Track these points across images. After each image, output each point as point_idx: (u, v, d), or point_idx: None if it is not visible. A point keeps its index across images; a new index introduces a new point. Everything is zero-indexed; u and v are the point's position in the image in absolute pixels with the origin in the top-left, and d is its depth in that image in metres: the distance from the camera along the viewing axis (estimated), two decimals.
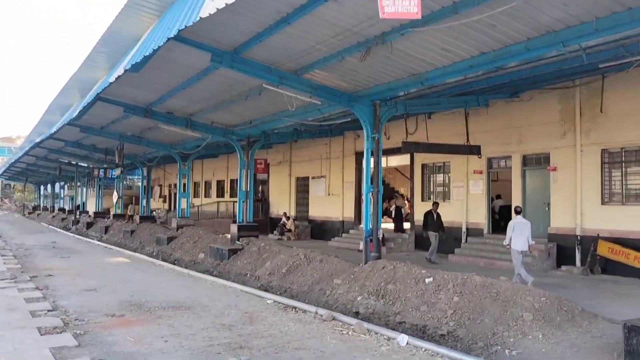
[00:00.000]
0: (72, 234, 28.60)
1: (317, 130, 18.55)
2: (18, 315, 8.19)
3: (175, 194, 41.86)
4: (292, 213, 26.71)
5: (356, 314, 9.88)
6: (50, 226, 35.20)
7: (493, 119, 16.43)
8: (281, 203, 28.04)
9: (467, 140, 15.15)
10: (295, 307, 9.12)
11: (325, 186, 24.73)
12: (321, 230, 24.76)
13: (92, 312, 8.67)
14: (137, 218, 26.39)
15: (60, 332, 7.22)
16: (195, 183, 38.70)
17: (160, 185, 43.67)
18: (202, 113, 15.85)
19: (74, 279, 12.28)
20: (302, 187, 26.78)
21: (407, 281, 10.00)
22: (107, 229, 28.45)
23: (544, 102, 15.15)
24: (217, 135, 16.60)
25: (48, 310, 8.63)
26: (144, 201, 27.18)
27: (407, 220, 20.73)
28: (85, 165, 34.60)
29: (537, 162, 15.77)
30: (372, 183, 12.35)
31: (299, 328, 7.62)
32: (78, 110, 13.77)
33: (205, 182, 37.62)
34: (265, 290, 11.78)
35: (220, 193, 35.41)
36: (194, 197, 38.48)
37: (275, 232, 26.11)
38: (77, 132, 21.47)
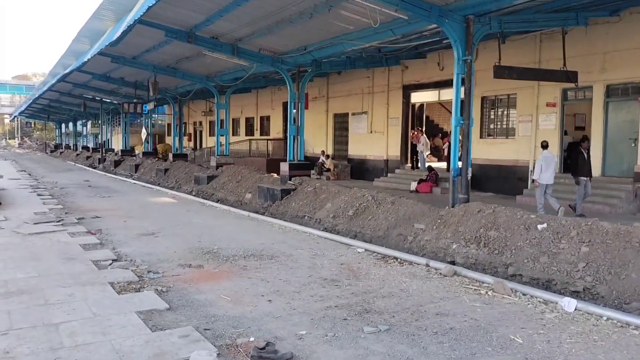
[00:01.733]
0: (102, 172, 27.46)
1: (369, 59, 16.69)
2: (81, 267, 6.92)
3: (200, 132, 40.40)
4: (330, 152, 25.21)
5: (452, 264, 8.56)
6: (77, 164, 34.10)
7: (572, 44, 14.51)
8: (317, 141, 26.49)
9: (564, 64, 13.25)
10: (397, 258, 7.77)
11: (367, 123, 23.05)
12: (362, 170, 23.32)
13: (164, 261, 7.39)
14: (170, 156, 25.06)
15: (139, 289, 5.94)
16: (222, 121, 37.14)
17: (185, 123, 42.11)
18: (251, 38, 14.06)
19: (125, 221, 11.03)
20: (341, 124, 25.12)
21: (514, 227, 8.57)
22: (137, 167, 27.22)
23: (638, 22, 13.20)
24: (265, 63, 14.85)
25: (112, 260, 7.36)
26: (177, 139, 25.72)
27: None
28: (109, 101, 33.06)
29: (624, 92, 13.97)
30: (461, 114, 10.73)
31: (420, 285, 6.27)
32: (117, 34, 12.07)
33: (233, 119, 35.96)
34: (334, 233, 10.54)
35: (250, 131, 33.86)
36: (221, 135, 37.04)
37: (312, 171, 24.70)
38: (106, 63, 19.77)
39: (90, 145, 47.44)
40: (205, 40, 14.09)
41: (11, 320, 4.80)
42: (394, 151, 21.49)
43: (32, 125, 75.36)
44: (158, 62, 18.80)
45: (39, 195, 15.33)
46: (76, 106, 38.36)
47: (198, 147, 39.52)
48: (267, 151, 27.44)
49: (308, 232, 9.96)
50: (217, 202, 16.45)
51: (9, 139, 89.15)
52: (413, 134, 20.83)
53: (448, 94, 20.23)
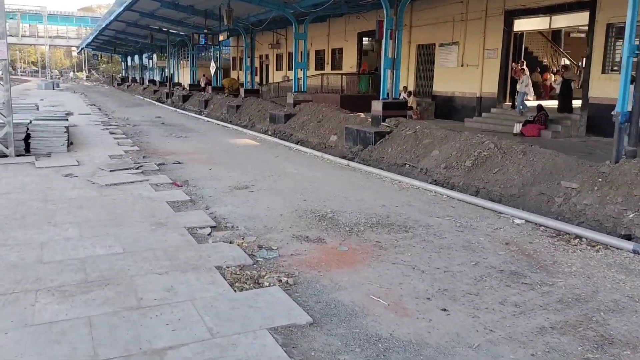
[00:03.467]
0: (171, 108, 26.25)
1: None
2: (175, 238, 5.38)
3: (267, 66, 38.41)
4: (411, 88, 22.79)
5: (628, 238, 6.53)
6: (145, 99, 33.15)
7: None
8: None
9: None
10: (581, 238, 5.80)
11: (457, 55, 20.38)
12: (448, 109, 20.91)
13: (272, 230, 5.77)
14: (241, 91, 23.40)
15: (258, 281, 4.31)
16: (289, 54, 34.97)
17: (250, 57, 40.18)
18: None
19: (210, 168, 9.50)
20: (425, 57, 22.48)
21: None
22: (206, 102, 25.80)
23: None
24: None
25: (211, 228, 5.79)
26: (248, 73, 23.94)
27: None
28: (177, 32, 31.41)
29: None
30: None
31: None
32: None
33: (301, 52, 33.68)
34: (448, 188, 8.67)
35: (320, 65, 31.59)
36: (288, 69, 35.01)
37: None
38: None
39: (157, 78, 46.55)
40: None
41: (93, 340, 3.28)
42: (490, 87, 18.93)
43: (99, 58, 75.50)
44: None
45: (111, 133, 14.09)
46: (142, 38, 37.01)
47: (264, 82, 37.72)
48: (341, 87, 25.28)
49: (434, 191, 8.07)
50: (297, 143, 14.77)
51: (77, 71, 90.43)
52: (517, 68, 18.14)
53: (562, 21, 17.35)
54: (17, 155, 10.08)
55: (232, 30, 23.86)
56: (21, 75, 79.78)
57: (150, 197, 7.06)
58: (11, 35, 61.85)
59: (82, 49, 65.33)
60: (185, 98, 29.95)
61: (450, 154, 10.60)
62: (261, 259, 4.87)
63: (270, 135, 16.26)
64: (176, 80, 40.19)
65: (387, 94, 13.53)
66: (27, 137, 10.50)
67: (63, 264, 4.57)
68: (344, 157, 12.57)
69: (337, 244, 5.35)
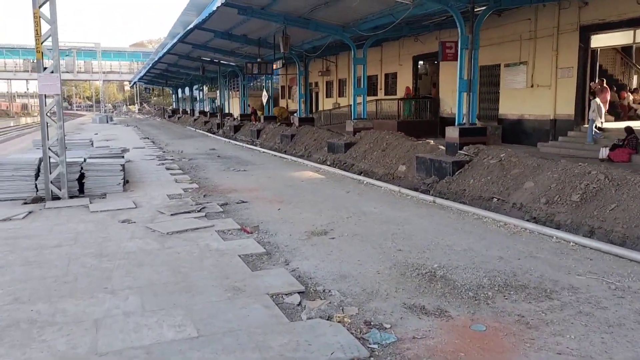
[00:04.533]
0: (223, 139, 25.64)
1: None
2: (259, 312, 4.19)
3: (316, 93, 37.67)
4: None
5: None
6: (197, 130, 32.83)
7: None
8: (456, 99, 22.67)
9: None
10: None
11: (525, 75, 18.88)
12: (517, 133, 19.33)
13: (376, 296, 4.52)
14: (295, 120, 22.52)
15: None
16: (339, 80, 34.18)
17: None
18: None
19: (278, 208, 8.40)
20: (488, 79, 21.03)
21: None
22: (259, 132, 25.06)
23: None
24: None
25: (299, 294, 4.61)
26: (302, 101, 23.07)
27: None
28: (227, 62, 31.13)
29: None
30: None
31: None
32: None
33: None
34: (553, 227, 7.25)
35: (372, 91, 30.56)
36: (339, 96, 34.14)
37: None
38: (231, 17, 17.29)
39: (207, 109, 46.64)
40: None
41: None
42: (566, 109, 17.30)
43: (151, 91, 77.22)
44: (289, 12, 15.93)
45: (168, 169, 13.28)
46: (193, 70, 37.02)
47: (314, 110, 36.95)
48: (398, 112, 24.08)
49: (555, 237, 6.64)
50: (360, 174, 13.58)
51: (129, 105, 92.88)
52: (595, 87, 16.51)
53: None
54: (71, 197, 9.29)
55: (285, 58, 23.12)
56: (76, 109, 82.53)
57: (220, 250, 5.97)
58: (67, 72, 64.01)
59: (135, 83, 66.79)
60: (236, 128, 29.40)
61: (548, 186, 9.16)
62: (376, 346, 3.64)
63: (331, 165, 15.16)
64: (226, 111, 39.96)
65: (464, 119, 12.19)
66: (81, 176, 9.73)
67: (124, 356, 3.47)
68: (416, 189, 11.28)
69: (468, 320, 4.06)
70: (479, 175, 10.85)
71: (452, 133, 12.18)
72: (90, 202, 8.87)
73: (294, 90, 41.48)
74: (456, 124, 12.29)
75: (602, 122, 15.81)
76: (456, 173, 11.29)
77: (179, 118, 49.45)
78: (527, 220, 8.42)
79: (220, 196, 9.56)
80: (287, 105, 41.50)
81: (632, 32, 15.52)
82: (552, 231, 6.82)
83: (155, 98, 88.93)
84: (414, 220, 7.45)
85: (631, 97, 19.55)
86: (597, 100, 15.68)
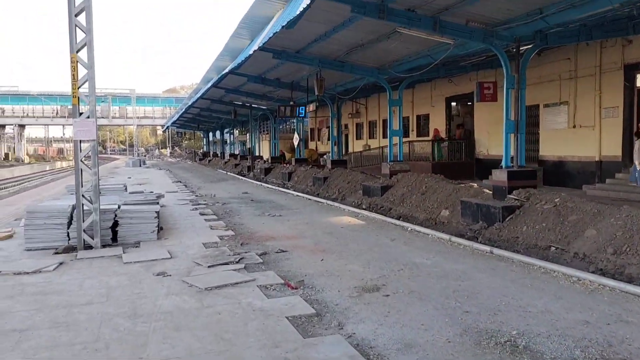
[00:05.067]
0: (255, 182, 25.30)
1: (610, 27, 11.96)
2: None
3: (346, 135, 37.38)
4: (512, 152, 20.50)
5: None
6: (228, 173, 32.65)
7: None
8: (492, 141, 21.95)
9: None
10: None
11: (567, 116, 18.12)
12: (560, 175, 18.43)
13: None
14: (328, 163, 22.08)
15: None
16: (369, 122, 33.89)
17: (329, 127, 39.43)
18: (457, 7, 10.31)
19: (322, 259, 7.76)
20: (527, 119, 20.11)
21: None
22: (290, 175, 24.66)
23: None
24: (474, 38, 10.93)
25: None
26: (334, 143, 22.67)
27: None
28: (258, 106, 31.18)
29: None
30: None
31: None
32: (298, 11, 8.91)
33: (384, 120, 32.30)
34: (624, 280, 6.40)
35: (404, 132, 30.06)
36: (369, 138, 33.77)
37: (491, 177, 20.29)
38: (264, 62, 17.19)
39: (237, 152, 46.79)
40: (401, 14, 10.53)
41: None
42: (612, 150, 16.41)
43: (182, 135, 78.51)
44: (324, 55, 15.69)
45: (202, 214, 12.81)
46: (225, 114, 37.25)
47: (344, 152, 36.57)
48: (432, 154, 23.43)
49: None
50: (399, 218, 12.89)
51: (161, 148, 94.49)
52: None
53: None
54: (103, 246, 8.83)
55: (318, 101, 22.89)
56: (110, 153, 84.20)
57: (264, 310, 5.33)
58: (103, 117, 65.57)
59: (167, 127, 67.96)
60: (267, 171, 29.11)
61: (613, 234, 8.34)
62: None
63: (367, 209, 14.52)
64: (256, 154, 39.90)
65: (512, 161, 11.49)
66: (115, 224, 9.30)
67: None
68: (462, 235, 10.54)
69: None
70: (532, 222, 10.07)
71: (499, 176, 11.47)
72: (124, 252, 8.38)
73: (323, 132, 41.33)
74: (503, 166, 11.58)
75: None
76: (507, 219, 10.52)
77: (209, 161, 49.69)
78: (594, 272, 7.60)
79: (258, 244, 8.98)
80: (316, 147, 41.32)
81: None
82: (636, 288, 5.98)
83: (186, 141, 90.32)
84: (474, 275, 6.71)
85: None
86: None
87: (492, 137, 21.96)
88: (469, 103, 25.64)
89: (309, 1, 8.61)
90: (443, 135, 24.36)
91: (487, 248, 8.33)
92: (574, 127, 17.92)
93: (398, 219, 12.97)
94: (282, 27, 10.00)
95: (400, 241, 9.17)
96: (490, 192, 12.23)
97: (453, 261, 7.53)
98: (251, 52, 12.92)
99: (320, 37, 13.91)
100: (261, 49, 13.61)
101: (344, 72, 16.40)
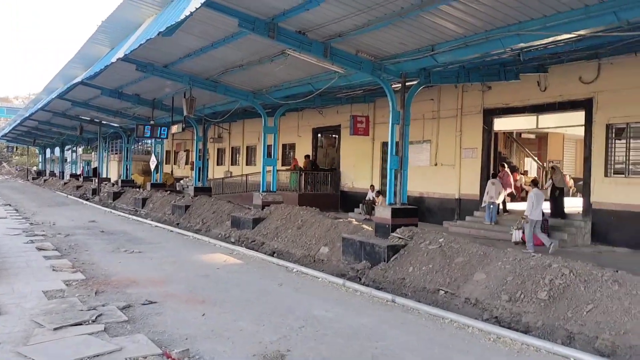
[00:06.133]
0: (102, 208, 22.46)
1: (487, 71, 12.36)
2: None
3: (207, 159, 35.56)
4: (377, 187, 20.81)
5: None
6: (69, 196, 28.78)
7: None
8: (358, 174, 22.12)
9: None
10: None
11: (429, 154, 18.81)
12: (422, 210, 18.74)
13: None
14: (190, 189, 20.26)
15: None
16: (232, 148, 32.67)
17: (187, 151, 37.41)
18: (348, 35, 9.79)
19: (203, 314, 6.35)
20: None
21: None
22: (144, 201, 22.32)
23: None
24: (364, 69, 10.45)
25: None
26: (199, 169, 20.92)
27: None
28: (109, 123, 28.18)
29: None
30: None
31: None
32: (184, 14, 7.58)
33: (248, 147, 31.32)
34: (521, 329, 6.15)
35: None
36: (231, 164, 32.50)
37: (358, 209, 20.35)
38: (126, 74, 15.18)
39: (79, 172, 42.09)
40: (292, 35, 9.67)
41: None
42: (471, 189, 17.22)
43: (14, 150, 69.14)
44: (197, 73, 14.25)
45: (39, 249, 10.47)
46: (69, 129, 33.14)
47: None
48: (299, 185, 22.89)
49: (570, 357, 5.42)
50: (273, 254, 11.91)
51: None
52: (503, 172, 16.63)
53: (550, 121, 16.27)
54: None
55: (176, 122, 21.11)
56: None
57: None
58: None
59: None
60: (116, 195, 26.20)
61: (503, 279, 8.19)
62: None
63: (236, 243, 13.29)
64: (105, 175, 36.11)
65: (395, 199, 11.14)
66: None
67: None
68: (343, 275, 9.86)
69: None
70: (418, 263, 9.68)
71: (382, 213, 11.03)
72: None
73: (180, 155, 38.97)
74: (388, 202, 11.18)
75: (499, 203, 15.84)
76: (392, 259, 10.04)
77: (45, 181, 44.02)
78: (487, 320, 7.30)
79: (118, 293, 7.27)
80: (172, 171, 38.77)
81: (534, 117, 15.94)
82: (566, 350, 5.59)
83: (17, 157, 80.00)
84: (386, 332, 5.86)
85: (523, 179, 20.24)
86: (493, 181, 15.72)
87: (358, 170, 22.11)
88: (334, 135, 25.77)
89: (198, 4, 7.33)
90: (302, 165, 23.99)
91: (389, 296, 7.62)
92: (436, 165, 18.60)
93: (272, 254, 11.94)
94: (159, 32, 8.52)
95: (290, 286, 8.10)
96: (371, 229, 11.78)
97: (356, 313, 6.65)
98: (113, 60, 11.08)
99: (194, 52, 12.55)
100: (125, 58, 11.82)
101: (216, 93, 15.11)
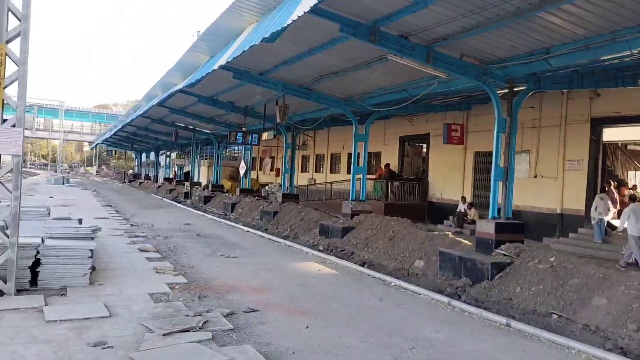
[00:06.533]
0: (194, 211, 23.17)
1: (602, 75, 11.37)
2: None
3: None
4: (469, 199, 19.89)
5: None
6: (163, 199, 30.09)
7: None
8: (447, 184, 21.28)
9: None
10: None
11: (528, 165, 17.68)
12: None
13: None
14: (278, 196, 20.44)
15: None
16: (317, 156, 32.74)
17: (272, 157, 37.98)
18: (453, 38, 9.30)
19: (306, 325, 6.13)
20: (485, 166, 19.68)
21: None
22: (233, 206, 22.79)
23: None
24: (468, 74, 9.93)
25: None
26: (287, 175, 21.08)
27: None
28: (202, 130, 29.20)
29: None
30: None
31: None
32: (290, 19, 7.47)
33: (332, 155, 31.18)
34: None
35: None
36: (315, 172, 32.55)
37: (447, 221, 19.52)
38: (221, 81, 15.56)
39: (171, 176, 44.04)
40: (393, 39, 9.35)
41: None
42: (575, 204, 15.94)
43: (113, 154, 73.84)
44: (290, 80, 14.28)
45: (141, 251, 10.80)
46: (164, 135, 34.79)
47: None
48: (386, 194, 22.41)
49: None
50: (363, 265, 11.52)
51: (87, 166, 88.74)
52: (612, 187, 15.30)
53: None
54: (19, 291, 6.78)
55: (267, 129, 21.38)
56: (30, 167, 77.80)
57: None
58: (26, 129, 60.43)
59: (97, 144, 63.61)
60: (206, 199, 27.00)
61: (629, 306, 7.33)
62: None
63: (325, 251, 13.03)
64: (197, 179, 37.53)
65: (499, 212, 10.44)
66: (36, 263, 7.26)
67: None
68: (440, 292, 9.28)
69: None
70: (527, 283, 8.95)
71: (485, 227, 10.36)
72: (46, 303, 6.38)
73: (265, 162, 39.68)
74: (491, 216, 10.51)
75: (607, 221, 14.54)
76: (496, 277, 9.37)
77: (140, 184, 46.46)
78: (611, 350, 6.51)
79: (220, 298, 7.23)
80: (257, 177, 39.56)
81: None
82: None
83: (115, 161, 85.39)
84: None
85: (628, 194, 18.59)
86: (602, 195, 14.44)
87: (447, 181, 21.29)
88: (420, 144, 25.09)
89: (305, 10, 7.19)
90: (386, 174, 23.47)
91: (502, 319, 7.02)
92: (535, 176, 17.46)
93: (363, 265, 11.58)
94: (263, 39, 8.48)
95: (390, 301, 7.71)
96: (470, 243, 11.15)
97: (469, 336, 6.15)
98: (215, 67, 11.27)
99: (290, 59, 12.53)
100: (224, 66, 12.02)
101: (308, 101, 15.06)
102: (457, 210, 19.21)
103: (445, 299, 7.95)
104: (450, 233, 12.77)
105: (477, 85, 10.62)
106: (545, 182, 17.01)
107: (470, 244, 11.24)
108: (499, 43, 9.39)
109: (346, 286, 8.69)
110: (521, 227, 10.51)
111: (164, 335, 5.41)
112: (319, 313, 6.78)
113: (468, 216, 18.77)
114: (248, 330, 5.85)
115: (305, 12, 7.34)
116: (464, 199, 19.40)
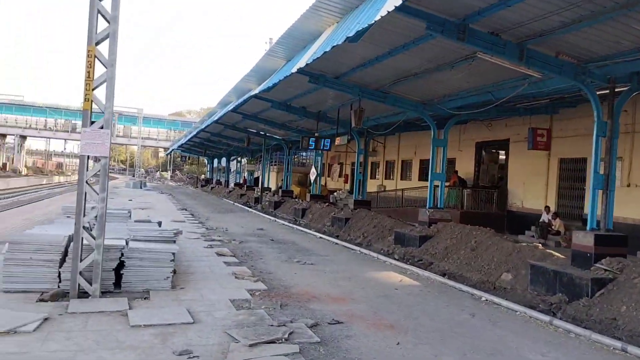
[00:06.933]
0: (265, 215, 23.23)
1: None
2: None
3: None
4: (552, 208, 18.63)
5: None
6: (235, 204, 30.52)
7: None
8: (528, 193, 20.07)
9: None
10: None
11: (620, 173, 16.26)
12: None
13: None
14: (350, 202, 20.09)
15: None
16: (387, 162, 32.08)
17: (341, 164, 37.72)
18: (551, 34, 8.56)
19: (397, 341, 5.67)
20: (571, 173, 18.45)
21: None
22: (303, 211, 22.62)
23: None
24: (564, 74, 9.16)
25: None
26: (358, 182, 20.70)
27: None
28: (272, 135, 29.38)
29: None
30: None
31: None
32: (376, 16, 7.08)
33: (403, 161, 30.46)
34: None
35: (424, 175, 28.27)
36: (385, 178, 31.89)
37: (529, 232, 18.36)
38: (295, 86, 15.44)
39: (241, 181, 44.80)
40: (483, 37, 8.75)
41: None
42: None
43: (186, 159, 76.44)
44: (367, 84, 13.89)
45: (219, 255, 10.72)
46: (236, 141, 35.39)
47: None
48: (461, 202, 21.49)
49: None
50: (444, 275, 10.86)
51: (162, 171, 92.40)
52: None
53: None
54: (103, 293, 6.76)
55: (341, 134, 21.08)
56: (110, 172, 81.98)
57: None
58: None
59: (172, 150, 66.05)
60: (277, 204, 27.04)
61: None
62: None
63: (401, 260, 12.45)
64: (266, 185, 37.97)
65: (599, 223, 9.53)
66: (119, 265, 7.25)
67: None
68: (532, 308, 8.49)
69: None
70: (633, 302, 8.02)
71: (583, 239, 9.46)
72: (130, 307, 6.29)
73: (334, 168, 39.48)
74: (589, 227, 9.61)
75: None
76: (597, 294, 8.49)
77: (212, 188, 47.61)
78: None
79: (301, 307, 6.91)
80: (325, 183, 39.41)
81: None
82: None
83: (187, 166, 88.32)
84: None
85: None
86: None
87: (528, 189, 20.10)
88: (496, 150, 23.95)
89: (392, 7, 6.77)
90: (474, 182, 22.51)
91: (617, 344, 6.24)
92: (629, 185, 16.07)
93: (443, 276, 10.94)
94: (347, 38, 8.12)
95: (484, 318, 7.10)
96: (563, 257, 10.26)
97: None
98: (294, 70, 11.05)
99: (368, 61, 12.13)
100: (301, 70, 11.81)
101: (384, 105, 14.58)
102: (541, 220, 18.03)
103: (546, 318, 7.23)
104: (539, 244, 11.85)
105: (572, 86, 9.79)
106: (639, 191, 15.62)
107: (563, 257, 10.38)
108: (600, 39, 8.55)
109: (432, 299, 8.14)
110: (624, 240, 9.53)
111: (250, 346, 5.12)
112: (407, 328, 6.29)
113: (552, 227, 17.57)
114: (335, 344, 5.47)
115: (396, 7, 6.90)
116: (547, 208, 18.19)
